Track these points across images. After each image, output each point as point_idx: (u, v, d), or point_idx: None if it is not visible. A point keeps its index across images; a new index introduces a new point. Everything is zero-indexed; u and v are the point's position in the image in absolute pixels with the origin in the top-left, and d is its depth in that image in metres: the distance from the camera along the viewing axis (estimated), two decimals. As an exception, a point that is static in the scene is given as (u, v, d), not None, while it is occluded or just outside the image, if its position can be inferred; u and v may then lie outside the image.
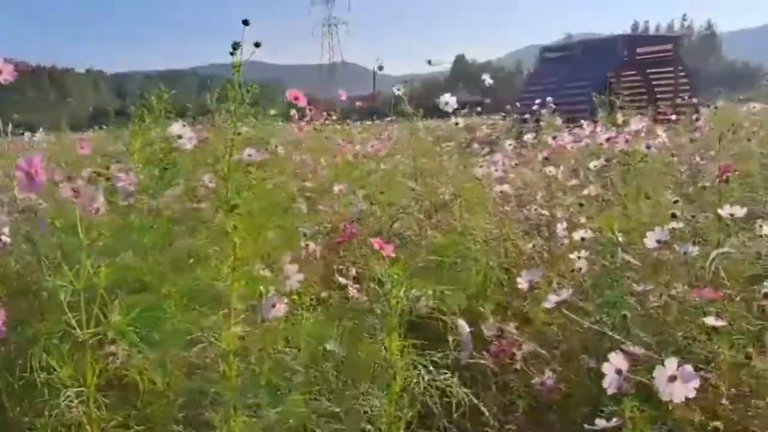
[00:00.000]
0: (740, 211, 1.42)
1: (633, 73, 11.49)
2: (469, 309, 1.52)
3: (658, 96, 10.73)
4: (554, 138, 3.21)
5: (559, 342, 1.47)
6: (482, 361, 1.40)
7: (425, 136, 2.41)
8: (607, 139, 2.65)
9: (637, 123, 3.06)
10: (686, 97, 9.17)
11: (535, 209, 1.94)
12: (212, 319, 1.17)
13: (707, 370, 1.06)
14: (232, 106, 1.17)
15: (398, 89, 2.02)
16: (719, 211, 1.43)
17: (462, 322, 1.40)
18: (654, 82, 11.33)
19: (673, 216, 1.49)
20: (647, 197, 1.83)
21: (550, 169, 2.09)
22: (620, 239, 1.36)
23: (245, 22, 1.15)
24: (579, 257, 1.46)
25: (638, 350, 1.12)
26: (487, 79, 2.19)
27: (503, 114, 8.11)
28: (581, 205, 1.87)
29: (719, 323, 1.09)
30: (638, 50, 11.45)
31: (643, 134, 3.06)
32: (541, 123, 4.60)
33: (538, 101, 10.90)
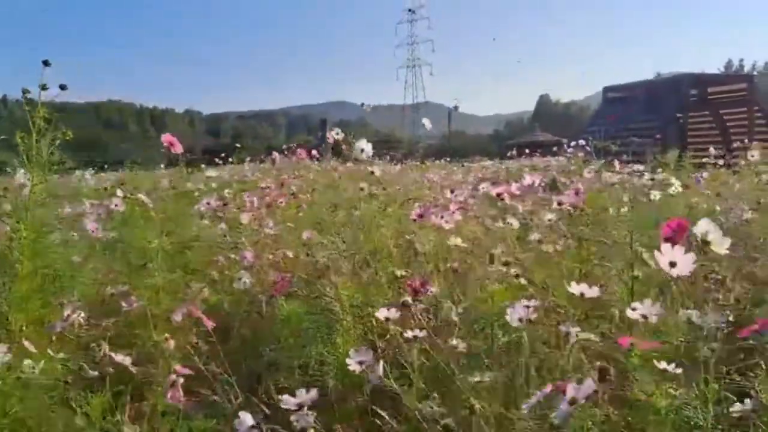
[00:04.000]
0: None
1: (705, 113, 11.13)
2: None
3: (733, 137, 10.32)
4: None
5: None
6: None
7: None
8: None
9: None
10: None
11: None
12: None
13: None
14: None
15: (337, 133, 2.05)
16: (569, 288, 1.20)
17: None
18: (728, 123, 10.92)
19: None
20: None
21: (509, 221, 2.01)
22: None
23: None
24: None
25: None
26: (427, 124, 2.23)
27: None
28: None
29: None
30: (710, 90, 11.10)
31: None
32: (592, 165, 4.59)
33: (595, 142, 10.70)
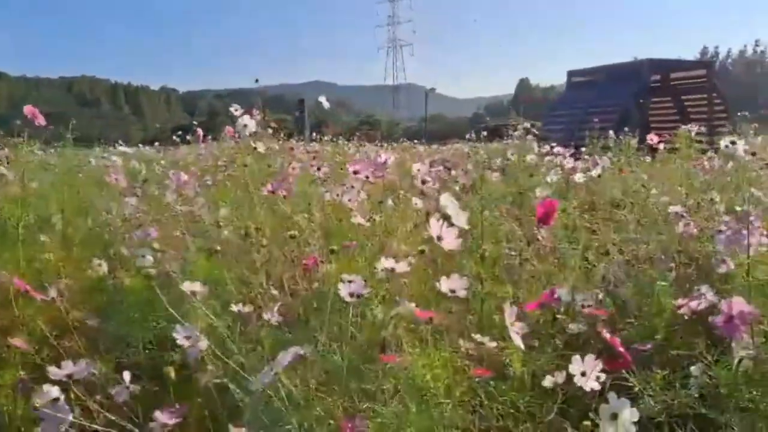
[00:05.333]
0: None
1: (667, 99, 11.23)
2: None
3: (693, 123, 10.40)
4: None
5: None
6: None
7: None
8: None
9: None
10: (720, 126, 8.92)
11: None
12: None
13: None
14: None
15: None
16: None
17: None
18: (689, 109, 11.02)
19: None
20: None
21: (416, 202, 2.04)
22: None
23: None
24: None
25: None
26: (324, 102, 2.22)
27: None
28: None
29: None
30: (672, 75, 11.18)
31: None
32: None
33: (560, 126, 10.84)
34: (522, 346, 0.90)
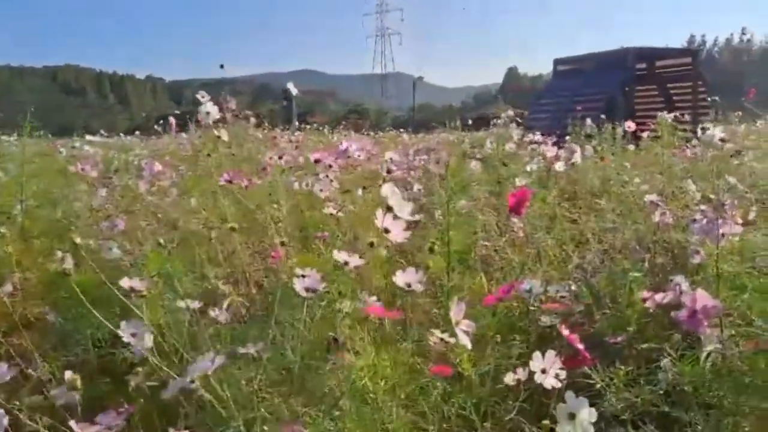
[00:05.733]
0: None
1: (653, 87, 11.21)
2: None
3: (678, 111, 10.40)
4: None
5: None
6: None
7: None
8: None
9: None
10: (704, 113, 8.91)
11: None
12: None
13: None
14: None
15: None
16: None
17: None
18: (674, 98, 11.02)
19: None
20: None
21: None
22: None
23: None
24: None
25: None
26: (291, 88, 2.17)
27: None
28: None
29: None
30: (658, 64, 11.17)
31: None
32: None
33: (546, 115, 10.77)
34: (469, 345, 0.85)
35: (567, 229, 2.37)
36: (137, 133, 8.54)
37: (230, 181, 1.65)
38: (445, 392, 0.92)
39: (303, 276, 1.12)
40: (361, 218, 2.03)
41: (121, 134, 9.74)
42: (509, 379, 1.10)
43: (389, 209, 0.84)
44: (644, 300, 1.03)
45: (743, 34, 72.74)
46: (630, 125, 3.83)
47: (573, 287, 1.71)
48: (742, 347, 0.97)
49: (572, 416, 0.86)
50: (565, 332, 0.98)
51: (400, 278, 1.01)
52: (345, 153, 1.70)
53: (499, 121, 4.59)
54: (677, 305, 0.97)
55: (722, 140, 2.02)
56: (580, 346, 0.96)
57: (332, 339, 0.86)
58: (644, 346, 1.28)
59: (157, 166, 3.35)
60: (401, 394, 0.84)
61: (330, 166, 1.64)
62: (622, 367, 1.01)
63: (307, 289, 1.15)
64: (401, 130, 13.74)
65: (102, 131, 9.65)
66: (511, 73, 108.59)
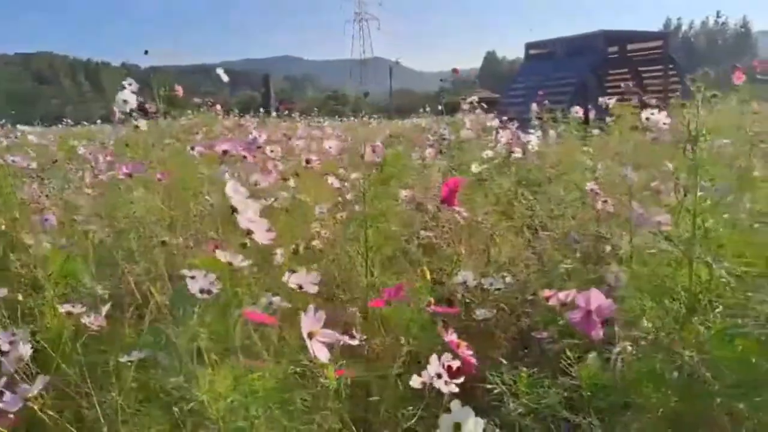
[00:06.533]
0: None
1: (624, 71, 11.23)
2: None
3: (650, 95, 10.43)
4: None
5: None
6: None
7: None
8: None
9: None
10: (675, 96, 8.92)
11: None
12: None
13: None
14: None
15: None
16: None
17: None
18: (645, 81, 11.05)
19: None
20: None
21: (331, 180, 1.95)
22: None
23: None
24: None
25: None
26: (222, 75, 2.10)
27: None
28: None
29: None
30: (629, 47, 11.18)
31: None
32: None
33: (519, 100, 10.73)
34: (325, 359, 0.79)
35: (521, 217, 2.33)
36: (100, 121, 8.40)
37: (129, 175, 1.57)
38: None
39: (193, 277, 1.04)
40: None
41: (98, 121, 9.60)
42: (416, 382, 1.05)
43: (233, 210, 0.77)
44: (546, 299, 0.97)
45: (718, 17, 73.39)
46: (578, 110, 3.79)
47: (508, 279, 1.66)
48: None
49: (458, 427, 0.81)
50: (449, 338, 0.92)
51: (293, 280, 0.95)
52: (254, 143, 1.62)
53: (465, 107, 4.53)
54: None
55: (664, 124, 1.99)
56: (468, 352, 0.91)
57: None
58: (567, 341, 1.24)
59: (107, 157, 3.24)
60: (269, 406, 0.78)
61: (245, 157, 1.56)
62: (525, 369, 0.96)
63: (201, 291, 1.08)
64: (376, 116, 13.63)
65: (66, 119, 9.45)
66: (490, 58, 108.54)
